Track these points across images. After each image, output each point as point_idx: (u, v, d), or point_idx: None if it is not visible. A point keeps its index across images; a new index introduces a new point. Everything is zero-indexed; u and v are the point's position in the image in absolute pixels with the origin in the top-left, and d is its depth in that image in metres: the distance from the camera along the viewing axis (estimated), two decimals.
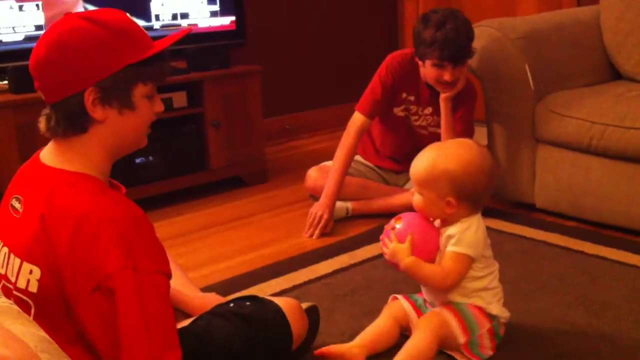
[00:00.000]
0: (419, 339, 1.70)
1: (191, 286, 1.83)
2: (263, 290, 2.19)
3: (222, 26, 3.34)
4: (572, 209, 2.69)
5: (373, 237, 2.62)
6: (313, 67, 4.30)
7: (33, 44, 3.00)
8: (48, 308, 1.26)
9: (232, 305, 1.62)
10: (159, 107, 1.40)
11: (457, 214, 1.75)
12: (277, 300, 1.65)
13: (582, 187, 2.64)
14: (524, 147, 2.80)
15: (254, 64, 3.44)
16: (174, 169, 3.11)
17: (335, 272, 2.35)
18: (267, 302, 1.61)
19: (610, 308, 2.02)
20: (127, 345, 1.22)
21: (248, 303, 1.62)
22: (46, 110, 1.36)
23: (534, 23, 2.90)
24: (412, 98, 2.83)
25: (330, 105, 4.38)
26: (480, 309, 1.77)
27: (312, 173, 2.94)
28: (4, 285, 1.31)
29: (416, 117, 2.86)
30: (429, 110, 2.82)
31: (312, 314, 1.76)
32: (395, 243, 1.75)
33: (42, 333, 1.00)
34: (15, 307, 1.09)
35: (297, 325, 1.60)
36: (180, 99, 3.12)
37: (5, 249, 1.32)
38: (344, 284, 2.24)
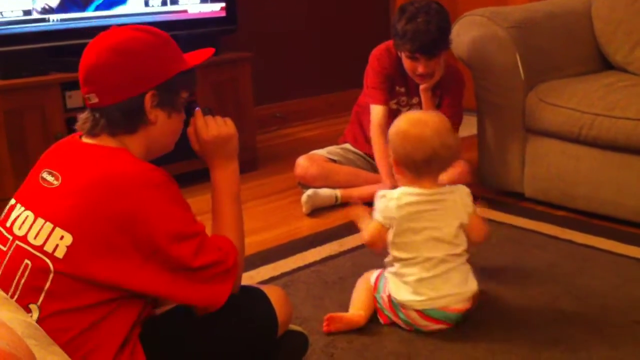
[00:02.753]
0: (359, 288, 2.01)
1: None
2: (252, 277, 2.19)
3: (212, 12, 3.32)
4: (562, 198, 2.70)
5: None
6: (304, 55, 4.28)
7: (21, 29, 2.99)
8: (69, 273, 1.30)
9: None
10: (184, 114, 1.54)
11: (400, 178, 1.92)
12: (262, 287, 1.65)
13: (571, 177, 2.65)
14: (514, 137, 2.80)
15: (245, 51, 3.43)
16: (164, 156, 3.09)
17: (324, 260, 2.36)
18: (252, 289, 1.62)
19: (599, 296, 2.03)
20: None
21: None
22: (90, 113, 1.43)
23: (526, 12, 2.90)
24: (402, 90, 2.84)
25: (321, 93, 4.37)
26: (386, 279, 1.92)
27: (302, 162, 2.93)
28: (18, 246, 1.34)
29: (407, 109, 2.87)
30: (416, 100, 2.83)
31: (298, 339, 1.75)
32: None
33: (29, 319, 1.00)
34: (2, 293, 1.09)
35: (282, 311, 1.60)
36: None
37: (29, 213, 1.36)
38: (333, 272, 2.25)
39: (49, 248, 1.31)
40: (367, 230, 1.91)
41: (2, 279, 1.32)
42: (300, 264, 2.32)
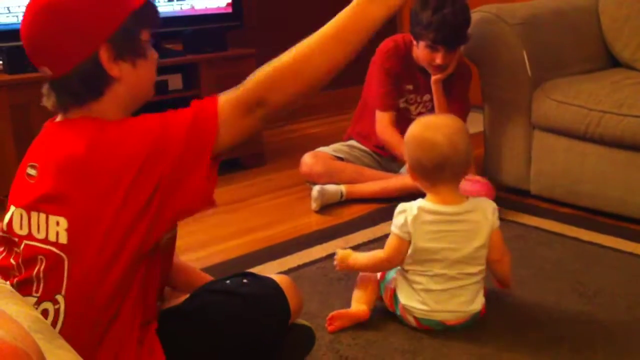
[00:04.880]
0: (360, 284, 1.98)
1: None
2: (258, 272, 2.19)
3: (218, 8, 3.32)
4: (567, 195, 2.70)
5: (368, 221, 2.62)
6: None
7: None
8: (81, 255, 1.27)
9: (228, 282, 1.62)
10: (156, 53, 1.39)
11: (420, 185, 1.86)
12: (273, 277, 1.65)
13: (577, 174, 2.64)
14: (520, 133, 2.79)
15: (251, 46, 3.43)
16: None
17: (330, 256, 2.34)
18: (264, 279, 1.61)
19: (604, 294, 2.03)
20: None
21: (245, 280, 1.62)
22: (49, 86, 1.32)
23: (533, 9, 2.89)
24: (410, 87, 2.83)
25: (328, 90, 4.36)
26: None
27: (307, 159, 2.93)
28: (26, 245, 1.31)
29: (415, 106, 2.87)
30: (427, 97, 2.84)
31: (306, 333, 1.75)
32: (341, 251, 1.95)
33: (36, 313, 1.00)
34: (8, 286, 1.09)
35: (294, 300, 1.61)
36: (175, 82, 3.11)
37: (22, 212, 1.33)
38: None
39: (52, 237, 1.29)
40: (387, 245, 1.84)
41: (25, 280, 1.31)
42: (306, 260, 2.32)
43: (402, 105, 2.87)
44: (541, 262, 2.26)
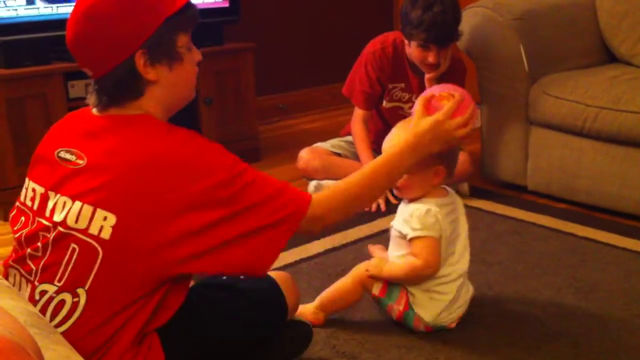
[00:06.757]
0: (342, 281, 1.91)
1: None
2: None
3: (215, 2, 3.31)
4: (564, 191, 2.70)
5: (365, 216, 2.62)
6: (307, 45, 4.27)
7: (25, 19, 2.97)
8: (118, 255, 1.27)
9: (225, 277, 1.62)
10: (198, 55, 1.43)
11: (437, 183, 1.80)
12: (269, 273, 1.65)
13: (574, 170, 2.64)
14: (516, 129, 2.79)
15: (248, 41, 3.42)
16: None
17: (327, 252, 2.35)
18: None
19: (600, 290, 2.03)
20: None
21: (242, 276, 1.62)
22: (94, 86, 1.37)
23: (530, 4, 2.89)
24: (402, 85, 2.82)
25: (324, 84, 4.36)
26: (406, 293, 1.82)
27: (304, 154, 2.92)
28: (59, 231, 1.30)
29: (410, 105, 2.86)
30: None
31: (303, 329, 1.75)
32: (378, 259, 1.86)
33: (31, 308, 1.00)
34: (5, 281, 1.09)
35: (291, 296, 1.61)
36: None
37: (66, 199, 1.31)
38: (335, 264, 2.25)
39: (94, 230, 1.27)
40: (422, 250, 1.75)
41: (50, 264, 1.30)
42: (303, 255, 2.32)
43: (389, 105, 2.86)
44: (537, 257, 2.26)
